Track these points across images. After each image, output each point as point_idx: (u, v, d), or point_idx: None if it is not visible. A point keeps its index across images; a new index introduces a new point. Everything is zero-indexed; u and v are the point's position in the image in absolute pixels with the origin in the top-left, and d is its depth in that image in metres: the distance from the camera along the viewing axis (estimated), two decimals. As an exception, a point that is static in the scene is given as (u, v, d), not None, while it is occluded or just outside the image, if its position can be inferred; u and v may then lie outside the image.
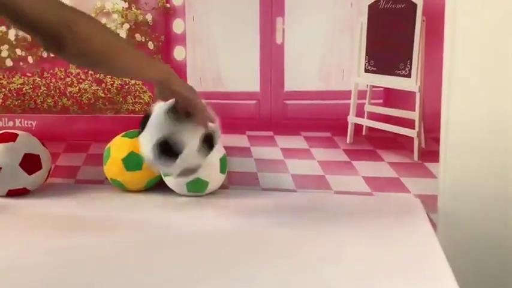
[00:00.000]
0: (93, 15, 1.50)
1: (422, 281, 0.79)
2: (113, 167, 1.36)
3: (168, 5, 1.44)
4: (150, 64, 0.99)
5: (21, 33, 1.54)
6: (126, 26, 1.48)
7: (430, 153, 1.30)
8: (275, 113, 1.40)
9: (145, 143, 1.00)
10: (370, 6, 1.32)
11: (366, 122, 1.35)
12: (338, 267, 0.85)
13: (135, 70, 0.95)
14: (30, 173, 1.34)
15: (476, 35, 1.26)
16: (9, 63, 1.57)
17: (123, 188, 1.39)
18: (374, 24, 1.32)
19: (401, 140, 1.33)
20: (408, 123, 1.31)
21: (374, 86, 1.34)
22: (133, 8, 1.47)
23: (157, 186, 1.39)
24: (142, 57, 0.97)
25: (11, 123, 1.58)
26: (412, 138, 1.31)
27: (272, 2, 1.37)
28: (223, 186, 1.38)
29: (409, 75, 1.30)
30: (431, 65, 1.28)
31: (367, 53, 1.33)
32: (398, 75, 1.31)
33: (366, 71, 1.33)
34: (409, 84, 1.30)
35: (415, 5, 1.28)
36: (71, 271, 0.85)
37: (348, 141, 1.36)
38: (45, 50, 0.83)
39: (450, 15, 1.26)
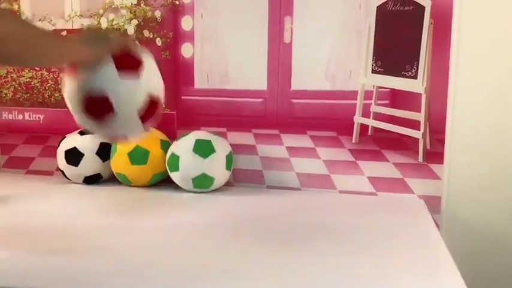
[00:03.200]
0: (101, 11, 1.51)
1: (429, 279, 0.80)
2: (118, 161, 1.37)
3: (177, 2, 1.45)
4: (75, 46, 0.91)
5: None
6: (135, 22, 1.49)
7: (435, 154, 1.31)
8: (281, 112, 1.41)
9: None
10: (379, 8, 1.33)
11: (371, 122, 1.35)
12: (342, 266, 0.85)
13: (63, 58, 0.89)
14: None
15: (483, 38, 1.27)
16: (18, 56, 1.58)
17: (128, 183, 1.39)
18: (382, 26, 1.33)
19: (406, 140, 1.33)
20: (414, 124, 1.32)
21: (380, 87, 1.35)
22: (142, 5, 1.48)
23: (163, 181, 1.40)
24: (67, 42, 0.91)
25: (20, 117, 1.59)
26: (417, 139, 1.32)
27: (281, 1, 1.38)
28: (228, 183, 1.39)
29: (415, 77, 1.31)
30: (437, 67, 1.29)
31: (374, 54, 1.34)
32: (405, 76, 1.32)
33: (373, 71, 1.34)
34: (416, 85, 1.31)
35: (423, 8, 1.29)
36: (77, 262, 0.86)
37: (353, 141, 1.37)
38: None
39: (457, 18, 1.27)
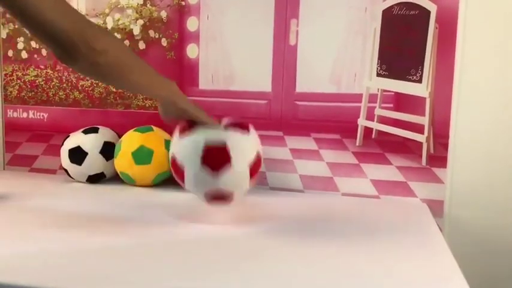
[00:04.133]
0: (107, 10, 1.51)
1: (433, 282, 0.80)
2: (122, 161, 1.37)
3: (183, 3, 1.45)
4: (159, 82, 0.98)
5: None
6: (141, 22, 1.49)
7: (439, 158, 1.32)
8: (286, 114, 1.42)
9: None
10: (384, 12, 1.33)
11: (375, 126, 1.36)
12: (343, 268, 0.86)
13: (144, 87, 0.96)
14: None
15: (488, 43, 1.27)
16: (24, 55, 1.58)
17: (132, 182, 1.40)
18: (387, 30, 1.33)
19: (410, 144, 1.34)
20: (418, 128, 1.33)
21: (385, 90, 1.35)
22: (148, 5, 1.48)
23: (167, 181, 1.40)
24: (152, 75, 0.96)
25: (25, 115, 1.60)
26: (421, 143, 1.33)
27: (287, 3, 1.39)
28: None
29: (420, 81, 1.31)
30: (442, 72, 1.30)
31: (379, 58, 1.34)
32: (410, 80, 1.32)
33: (378, 75, 1.35)
34: (420, 89, 1.31)
35: (428, 12, 1.29)
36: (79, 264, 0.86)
37: (357, 143, 1.37)
38: (58, 59, 0.80)
39: (462, 23, 1.27)
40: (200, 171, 0.97)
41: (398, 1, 1.31)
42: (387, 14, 1.33)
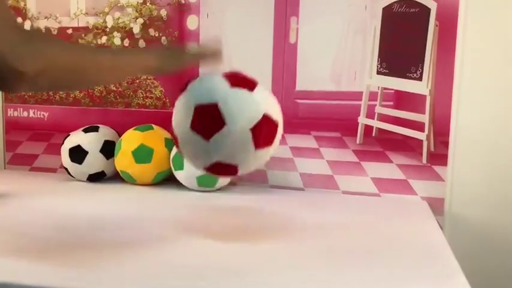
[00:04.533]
0: (107, 9, 1.51)
1: (433, 281, 0.80)
2: (123, 159, 1.37)
3: (183, 1, 1.45)
4: (134, 58, 0.82)
5: (35, 25, 1.55)
6: (140, 20, 1.49)
7: (439, 156, 1.32)
8: (286, 112, 1.41)
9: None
10: (384, 9, 1.33)
11: (376, 124, 1.36)
12: (344, 266, 0.86)
13: (109, 79, 0.82)
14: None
15: (488, 41, 1.27)
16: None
17: (132, 181, 1.40)
18: (387, 27, 1.33)
19: (410, 142, 1.34)
20: (418, 126, 1.33)
21: (385, 88, 1.35)
22: (148, 3, 1.48)
23: (167, 180, 1.40)
24: (117, 59, 0.79)
25: (25, 114, 1.60)
26: (422, 140, 1.33)
27: (287, 1, 1.38)
28: (231, 183, 1.39)
29: (420, 79, 1.31)
30: (442, 69, 1.30)
31: (379, 55, 1.34)
32: (410, 78, 1.32)
33: (378, 73, 1.35)
34: (420, 87, 1.31)
35: (428, 10, 1.29)
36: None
37: (357, 141, 1.37)
38: None
39: (462, 21, 1.27)
40: (192, 138, 0.82)
41: (399, -1, 1.31)
42: (387, 11, 1.33)
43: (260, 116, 0.81)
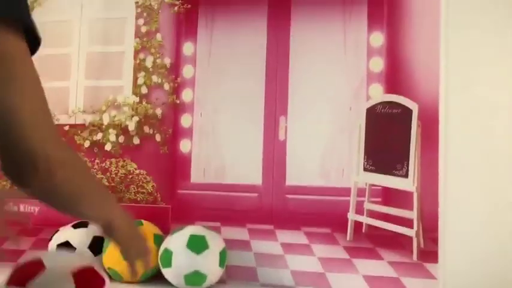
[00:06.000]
0: (104, 107, 1.58)
1: None
2: (111, 256, 1.35)
3: (177, 101, 1.52)
4: (105, 208, 0.77)
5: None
6: (136, 118, 1.55)
7: (429, 253, 1.31)
8: (276, 206, 1.43)
9: None
10: (368, 110, 1.40)
11: (365, 220, 1.36)
12: None
13: (91, 215, 0.73)
14: None
15: (470, 137, 1.31)
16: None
17: (119, 279, 1.36)
18: (372, 127, 1.39)
19: (400, 238, 1.33)
20: (407, 222, 1.33)
21: (373, 185, 1.37)
22: (144, 102, 1.55)
23: (154, 278, 1.37)
24: (104, 200, 0.77)
25: (15, 209, 1.59)
26: (411, 237, 1.32)
27: (276, 102, 1.46)
28: (221, 280, 1.36)
29: (406, 176, 1.34)
30: (427, 167, 1.33)
31: (365, 153, 1.38)
32: (396, 175, 1.35)
33: (365, 169, 1.38)
34: (407, 184, 1.34)
35: (410, 110, 1.36)
36: None
37: (347, 238, 1.37)
38: (4, 175, 0.63)
39: (443, 120, 1.33)
40: None
41: (381, 100, 1.38)
42: (371, 112, 1.40)
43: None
